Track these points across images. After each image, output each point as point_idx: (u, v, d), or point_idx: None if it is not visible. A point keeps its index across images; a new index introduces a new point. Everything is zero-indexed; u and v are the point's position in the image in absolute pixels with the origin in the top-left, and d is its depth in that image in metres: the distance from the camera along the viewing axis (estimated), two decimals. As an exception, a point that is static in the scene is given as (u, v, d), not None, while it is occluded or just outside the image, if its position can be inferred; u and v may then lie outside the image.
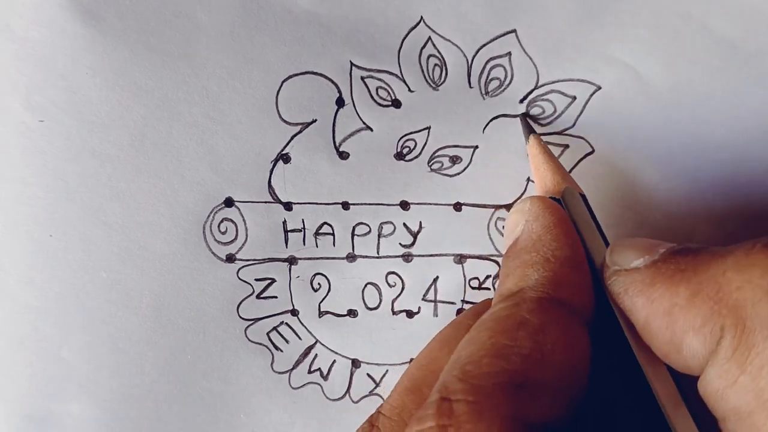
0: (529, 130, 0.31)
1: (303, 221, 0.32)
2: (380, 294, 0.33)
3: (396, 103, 0.32)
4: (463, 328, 0.25)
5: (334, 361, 0.33)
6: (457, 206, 0.32)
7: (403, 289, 0.33)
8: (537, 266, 0.24)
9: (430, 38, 0.31)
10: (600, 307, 0.24)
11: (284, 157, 0.32)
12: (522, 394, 0.21)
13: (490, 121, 0.32)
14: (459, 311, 0.33)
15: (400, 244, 0.33)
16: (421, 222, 0.32)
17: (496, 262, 0.32)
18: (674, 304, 0.22)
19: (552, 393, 0.21)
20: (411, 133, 0.32)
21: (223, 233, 0.32)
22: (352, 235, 0.32)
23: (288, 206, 0.32)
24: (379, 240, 0.33)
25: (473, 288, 0.33)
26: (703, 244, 0.23)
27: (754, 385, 0.20)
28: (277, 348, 0.33)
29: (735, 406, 0.21)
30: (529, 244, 0.25)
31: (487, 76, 0.32)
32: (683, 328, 0.22)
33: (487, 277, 0.32)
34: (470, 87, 0.32)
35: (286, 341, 0.33)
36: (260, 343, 0.33)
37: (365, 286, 0.33)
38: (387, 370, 0.33)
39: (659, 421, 0.23)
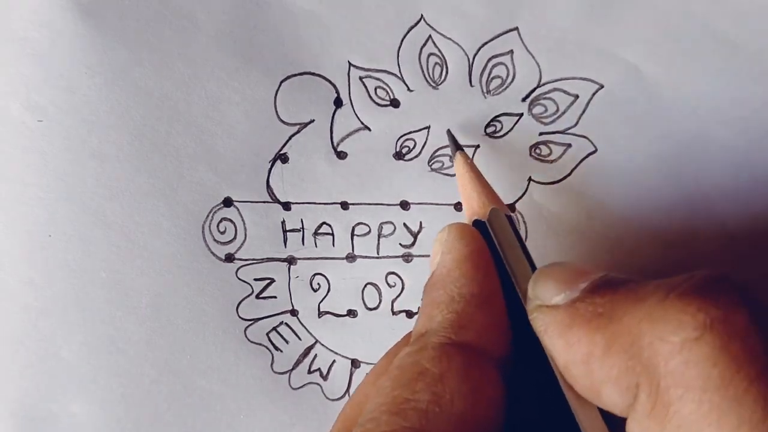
0: (456, 146, 0.30)
1: (302, 221, 0.32)
2: (380, 294, 0.33)
3: (394, 103, 0.31)
4: (393, 356, 0.24)
5: (334, 361, 0.33)
6: (458, 206, 0.32)
7: (403, 289, 0.33)
8: (441, 306, 0.23)
9: (430, 36, 0.31)
10: (528, 333, 0.23)
11: (282, 157, 0.32)
12: None
13: (492, 120, 0.32)
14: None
15: (400, 244, 0.32)
16: (421, 222, 0.32)
17: (497, 263, 0.32)
18: (591, 353, 0.21)
19: None
20: (410, 132, 0.32)
21: (222, 233, 0.32)
22: (352, 235, 0.32)
23: (287, 206, 0.32)
24: (379, 240, 0.32)
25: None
26: (630, 276, 0.22)
27: None
28: (276, 348, 0.33)
29: None
30: (439, 279, 0.24)
31: (489, 75, 0.31)
32: (600, 379, 0.21)
33: (487, 277, 0.32)
34: (471, 86, 0.31)
35: (286, 341, 0.33)
36: (260, 344, 0.33)
37: (365, 286, 0.33)
38: (387, 371, 0.33)
39: None
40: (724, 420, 0.18)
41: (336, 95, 0.31)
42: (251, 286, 0.32)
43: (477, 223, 0.26)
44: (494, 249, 0.25)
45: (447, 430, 0.20)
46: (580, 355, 0.21)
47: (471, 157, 0.32)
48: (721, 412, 0.18)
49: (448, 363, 0.22)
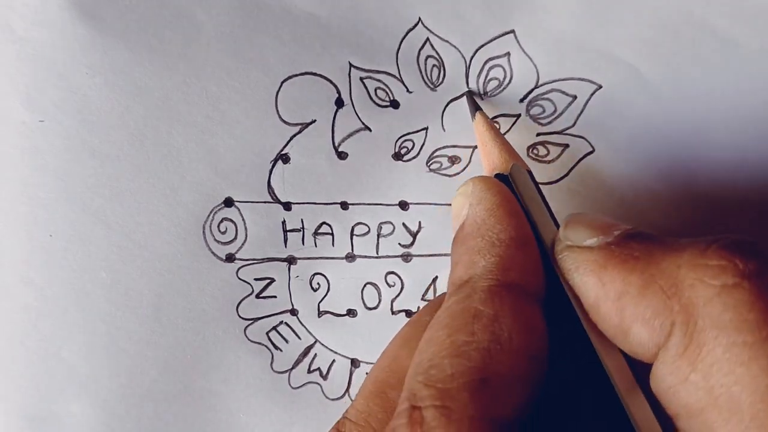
0: (475, 107, 0.30)
1: (302, 221, 0.32)
2: (379, 294, 0.33)
3: (394, 104, 0.32)
4: (421, 326, 0.24)
5: (334, 361, 0.33)
6: (457, 206, 0.32)
7: (402, 289, 0.33)
8: (483, 252, 0.24)
9: (428, 39, 0.31)
10: (550, 285, 0.24)
11: (283, 158, 0.32)
12: (487, 391, 0.21)
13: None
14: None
15: (399, 244, 0.33)
16: (420, 222, 0.32)
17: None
18: (625, 292, 0.22)
19: (515, 382, 0.21)
20: (409, 133, 0.32)
21: (223, 233, 0.32)
22: (351, 235, 0.32)
23: (287, 206, 0.32)
24: (378, 240, 0.33)
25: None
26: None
27: (704, 383, 0.20)
28: (276, 348, 0.33)
29: (686, 403, 0.21)
30: (474, 228, 0.25)
31: (486, 77, 0.32)
32: (632, 317, 0.22)
33: (487, 276, 0.32)
34: (468, 87, 0.32)
35: (286, 341, 0.33)
36: (260, 343, 0.33)
37: (364, 285, 0.33)
38: (386, 370, 0.33)
39: (615, 403, 0.22)
40: (754, 361, 0.19)
41: (337, 95, 0.32)
42: (251, 285, 0.32)
43: (498, 177, 0.27)
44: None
45: (510, 364, 0.21)
46: (613, 293, 0.22)
47: (469, 158, 0.32)
48: (753, 353, 0.19)
49: (500, 303, 0.22)
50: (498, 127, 0.32)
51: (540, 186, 0.27)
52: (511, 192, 0.26)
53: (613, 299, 0.22)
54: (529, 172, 0.27)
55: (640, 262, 0.22)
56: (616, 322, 0.22)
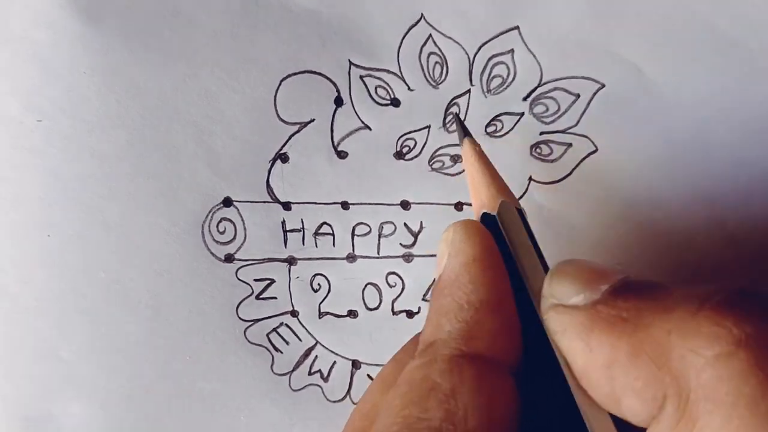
0: (464, 132, 0.28)
1: (302, 221, 0.32)
2: (380, 294, 0.32)
3: (395, 102, 0.31)
4: (402, 366, 0.23)
5: (335, 363, 0.33)
6: (459, 206, 0.32)
7: (403, 289, 0.32)
8: (450, 315, 0.22)
9: (430, 36, 0.31)
10: (539, 339, 0.22)
11: (282, 157, 0.32)
12: None
13: (492, 119, 0.32)
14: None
15: (400, 244, 0.32)
16: (421, 222, 0.32)
17: (498, 263, 0.32)
18: (614, 359, 0.20)
19: None
20: (411, 132, 0.32)
21: (222, 233, 0.32)
22: (352, 235, 0.32)
23: (287, 206, 0.32)
24: (379, 240, 0.32)
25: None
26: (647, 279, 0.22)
27: None
28: (276, 349, 0.33)
29: None
30: (447, 285, 0.23)
31: (489, 74, 0.31)
32: (623, 387, 0.20)
33: (488, 277, 0.32)
34: (472, 85, 0.31)
35: (286, 342, 0.33)
36: (260, 345, 0.32)
37: (365, 286, 0.32)
38: (387, 372, 0.33)
39: None
40: None
41: (336, 94, 0.31)
42: (251, 286, 0.32)
43: (485, 217, 0.25)
44: (503, 244, 0.24)
45: None
46: (602, 360, 0.20)
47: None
48: (750, 429, 0.18)
49: (459, 376, 0.21)
50: (501, 126, 0.31)
51: (530, 226, 0.25)
52: (493, 241, 0.24)
53: (602, 367, 0.20)
54: (520, 210, 0.25)
55: (628, 325, 0.20)
56: (607, 390, 0.21)
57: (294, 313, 0.33)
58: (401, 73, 0.31)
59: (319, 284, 0.32)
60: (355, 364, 0.33)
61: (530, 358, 0.22)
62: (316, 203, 0.32)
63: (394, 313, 0.32)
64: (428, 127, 0.32)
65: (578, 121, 0.31)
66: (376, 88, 0.31)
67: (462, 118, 0.31)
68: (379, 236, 0.32)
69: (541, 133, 0.32)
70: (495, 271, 0.23)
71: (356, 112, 0.31)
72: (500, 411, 0.21)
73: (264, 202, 0.32)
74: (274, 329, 0.33)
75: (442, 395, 0.20)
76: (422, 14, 0.31)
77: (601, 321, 0.21)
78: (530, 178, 0.32)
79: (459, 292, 0.23)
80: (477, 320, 0.22)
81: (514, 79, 0.31)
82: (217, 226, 0.32)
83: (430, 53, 0.31)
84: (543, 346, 0.22)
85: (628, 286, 0.21)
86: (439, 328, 0.22)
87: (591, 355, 0.21)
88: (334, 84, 0.31)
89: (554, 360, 0.22)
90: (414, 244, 0.32)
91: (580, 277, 0.22)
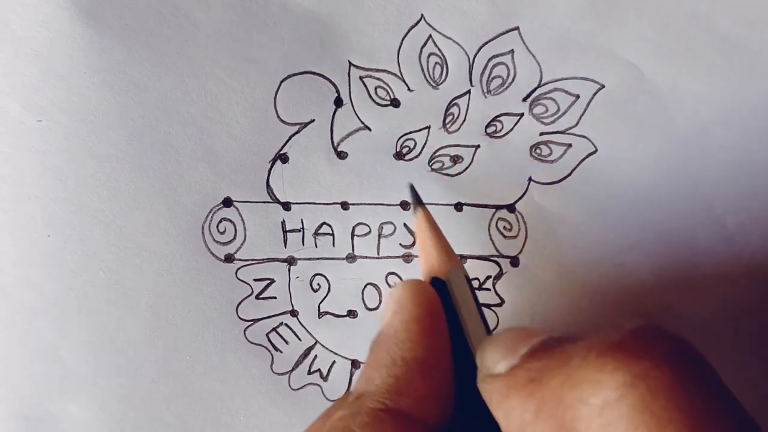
0: (417, 201, 0.28)
1: (302, 221, 0.32)
2: (380, 294, 0.32)
3: (395, 103, 0.31)
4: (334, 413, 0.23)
5: (334, 362, 0.33)
6: (458, 206, 0.32)
7: (403, 289, 0.32)
8: (382, 368, 0.22)
9: (430, 36, 0.31)
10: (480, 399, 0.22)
11: (282, 157, 0.32)
12: None
13: (492, 119, 0.32)
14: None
15: (400, 244, 0.32)
16: (421, 222, 0.32)
17: (497, 263, 0.32)
18: (524, 420, 0.20)
19: None
20: (410, 132, 0.32)
21: (222, 233, 0.32)
22: (352, 235, 0.32)
23: (287, 206, 0.32)
24: (379, 240, 0.32)
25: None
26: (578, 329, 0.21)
27: None
28: (276, 349, 0.33)
29: None
30: (385, 338, 0.23)
31: (489, 74, 0.31)
32: None
33: (488, 277, 0.32)
34: (471, 85, 0.31)
35: (286, 342, 0.33)
36: (259, 344, 0.32)
37: (365, 286, 0.33)
38: (387, 372, 0.33)
39: None
40: None
41: (336, 95, 0.31)
42: (251, 286, 0.32)
43: (435, 281, 0.26)
44: (451, 309, 0.25)
45: None
46: (516, 424, 0.20)
47: (471, 158, 0.32)
48: None
49: (379, 431, 0.21)
50: (500, 127, 0.31)
51: (475, 291, 0.26)
52: (440, 303, 0.24)
53: (517, 430, 0.20)
54: (467, 278, 0.26)
55: (534, 383, 0.20)
56: None
57: (294, 313, 0.33)
58: (401, 73, 0.31)
59: (318, 284, 0.33)
60: (355, 364, 0.33)
61: (471, 421, 0.22)
62: (315, 203, 0.32)
63: (393, 313, 0.32)
64: (428, 127, 0.32)
65: (578, 122, 0.31)
66: (375, 88, 0.31)
67: (414, 187, 0.30)
68: (379, 236, 0.32)
69: (541, 134, 0.32)
70: (434, 332, 0.23)
71: (356, 113, 0.31)
72: None
73: (264, 202, 0.32)
74: (274, 329, 0.33)
75: None
76: (422, 14, 0.31)
77: (516, 385, 0.20)
78: (530, 179, 0.32)
79: (394, 348, 0.23)
80: (407, 378, 0.22)
81: (514, 79, 0.31)
82: (217, 226, 0.32)
83: (430, 54, 0.31)
84: (486, 411, 0.22)
85: (545, 346, 0.21)
86: (370, 381, 0.22)
87: (508, 419, 0.20)
88: (334, 84, 0.31)
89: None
90: (414, 244, 0.32)
91: (503, 345, 0.22)
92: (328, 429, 0.22)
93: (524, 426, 0.20)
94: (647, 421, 0.17)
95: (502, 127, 0.32)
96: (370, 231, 0.32)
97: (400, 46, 0.31)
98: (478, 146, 0.32)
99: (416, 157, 0.32)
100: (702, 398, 0.17)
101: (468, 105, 0.32)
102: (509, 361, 0.21)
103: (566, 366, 0.19)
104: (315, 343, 0.33)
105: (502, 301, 0.32)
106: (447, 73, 0.31)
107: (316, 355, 0.33)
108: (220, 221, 0.32)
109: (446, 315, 0.24)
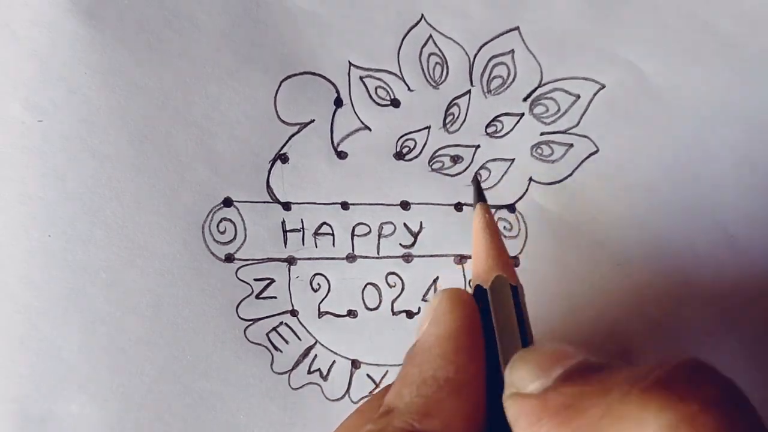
0: (479, 197, 0.27)
1: (302, 221, 0.32)
2: (380, 294, 0.32)
3: (395, 103, 0.31)
4: (363, 420, 0.22)
5: (334, 362, 0.33)
6: (458, 206, 0.32)
7: (403, 289, 0.32)
8: (412, 386, 0.22)
9: (431, 36, 0.31)
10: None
11: (282, 157, 0.32)
12: None
13: (493, 119, 0.32)
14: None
15: (400, 244, 0.32)
16: (421, 222, 0.32)
17: (497, 263, 0.32)
18: None
19: None
20: (410, 132, 0.32)
21: (222, 233, 0.32)
22: (352, 235, 0.32)
23: (287, 206, 0.32)
24: (379, 240, 0.32)
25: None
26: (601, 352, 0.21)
27: None
28: (276, 348, 0.33)
29: None
30: (419, 353, 0.22)
31: (490, 74, 0.31)
32: None
33: (488, 278, 0.32)
34: (472, 85, 0.31)
35: (286, 342, 0.33)
36: (260, 344, 0.32)
37: (365, 286, 0.33)
38: (387, 371, 0.33)
39: None
40: None
41: (336, 95, 0.31)
42: (251, 286, 0.32)
43: (479, 290, 0.24)
44: (488, 319, 0.23)
45: None
46: None
47: (471, 158, 0.32)
48: None
49: None
50: (501, 127, 0.31)
51: (523, 305, 0.24)
52: (478, 317, 0.23)
53: None
54: (514, 288, 0.24)
55: (570, 411, 0.19)
56: None
57: (294, 313, 0.33)
58: (401, 73, 0.31)
59: (318, 284, 0.33)
60: (355, 364, 0.33)
61: None
62: (315, 203, 0.32)
63: (393, 313, 0.32)
64: (428, 127, 0.32)
65: (579, 122, 0.31)
66: (376, 88, 0.31)
67: (479, 180, 0.29)
68: (379, 236, 0.32)
69: (542, 134, 0.32)
70: (469, 350, 0.23)
71: (356, 113, 0.31)
72: None
73: (264, 202, 0.32)
74: (274, 328, 0.33)
75: None
76: (422, 15, 0.31)
77: (548, 409, 0.20)
78: (530, 179, 0.32)
79: (426, 365, 0.22)
80: (437, 398, 0.21)
81: (514, 79, 0.31)
82: (218, 226, 0.32)
83: (431, 54, 0.31)
84: None
85: (580, 370, 0.20)
86: (399, 396, 0.22)
87: None
88: (334, 85, 0.31)
89: None
90: (414, 244, 0.32)
91: (536, 364, 0.21)
92: None
93: None
94: None
95: (503, 127, 0.32)
96: (370, 231, 0.32)
97: (400, 46, 0.31)
98: (478, 146, 0.32)
99: (416, 157, 0.32)
100: None
101: (468, 105, 0.32)
102: (543, 381, 0.20)
103: (606, 397, 0.18)
104: (315, 343, 0.33)
105: (502, 301, 0.32)
106: (447, 73, 0.31)
107: (316, 355, 0.33)
108: (221, 221, 0.32)
109: (483, 326, 0.23)
